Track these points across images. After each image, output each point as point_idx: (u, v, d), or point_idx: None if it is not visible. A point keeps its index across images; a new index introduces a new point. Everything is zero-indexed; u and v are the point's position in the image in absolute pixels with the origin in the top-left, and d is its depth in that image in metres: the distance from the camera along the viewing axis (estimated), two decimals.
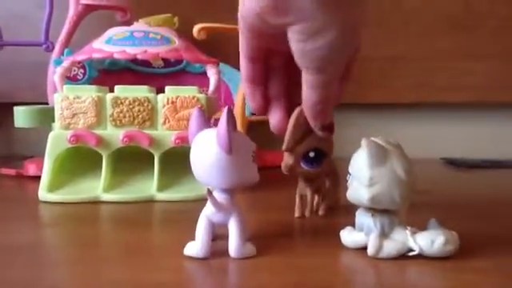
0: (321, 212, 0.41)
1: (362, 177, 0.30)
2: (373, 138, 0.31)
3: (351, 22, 0.29)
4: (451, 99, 0.78)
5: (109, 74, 0.62)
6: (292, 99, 0.36)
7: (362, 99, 0.74)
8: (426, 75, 0.77)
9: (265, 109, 0.37)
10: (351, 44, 0.31)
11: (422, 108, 0.81)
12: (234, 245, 0.31)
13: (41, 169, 0.52)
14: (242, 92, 0.63)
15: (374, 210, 0.31)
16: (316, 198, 0.40)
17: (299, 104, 0.34)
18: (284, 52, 0.32)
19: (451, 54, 0.77)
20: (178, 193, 0.47)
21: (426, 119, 0.81)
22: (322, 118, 0.34)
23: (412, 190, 0.30)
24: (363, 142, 0.30)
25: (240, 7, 0.31)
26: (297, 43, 0.30)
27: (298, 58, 0.31)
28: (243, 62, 0.35)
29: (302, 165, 0.37)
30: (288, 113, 0.36)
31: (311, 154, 0.37)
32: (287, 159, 0.37)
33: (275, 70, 0.36)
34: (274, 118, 0.37)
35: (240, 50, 0.34)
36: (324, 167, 0.38)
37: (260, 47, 0.33)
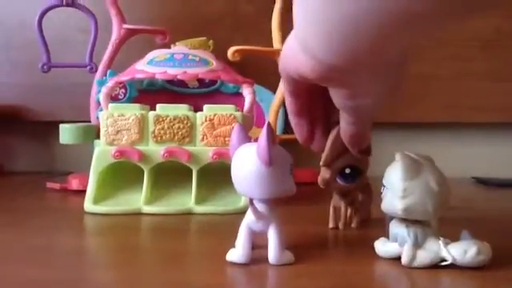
0: (354, 225, 0.42)
1: (396, 188, 0.32)
2: (406, 152, 0.32)
3: (388, 89, 0.30)
4: (482, 119, 0.79)
5: (147, 93, 0.65)
6: (330, 118, 0.37)
7: (394, 118, 0.75)
8: (457, 95, 0.78)
9: (311, 140, 0.38)
10: (387, 102, 0.32)
11: (453, 128, 0.81)
12: (273, 252, 0.32)
13: (83, 183, 0.55)
14: (274, 111, 0.66)
15: (408, 220, 0.33)
16: (349, 210, 0.42)
17: (337, 122, 0.35)
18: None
19: (482, 75, 0.78)
20: (214, 206, 0.49)
21: (457, 139, 0.82)
22: (359, 146, 0.36)
23: (445, 203, 0.32)
24: (397, 156, 0.32)
25: (281, 61, 0.32)
26: (334, 97, 0.31)
27: (335, 104, 0.32)
28: (287, 97, 0.36)
29: (338, 180, 0.39)
30: (327, 130, 0.38)
31: (347, 171, 0.39)
32: (324, 174, 0.39)
33: (314, 97, 0.37)
34: (315, 142, 0.38)
35: (283, 86, 0.35)
36: (359, 183, 0.40)
37: (300, 87, 0.34)
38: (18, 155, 0.83)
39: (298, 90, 0.34)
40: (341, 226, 0.42)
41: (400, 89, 0.31)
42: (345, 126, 0.34)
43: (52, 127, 0.66)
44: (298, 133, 0.37)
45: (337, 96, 0.31)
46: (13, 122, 0.80)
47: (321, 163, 0.39)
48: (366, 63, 0.27)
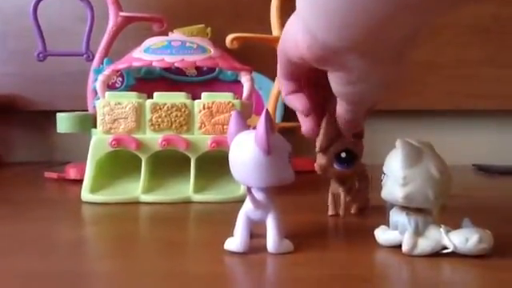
0: (353, 211, 0.42)
1: (397, 176, 0.31)
2: (407, 139, 0.32)
3: (386, 77, 0.30)
4: (482, 106, 0.78)
5: (144, 82, 0.64)
6: (328, 106, 0.37)
7: (394, 106, 0.75)
8: (457, 83, 0.78)
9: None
10: (383, 92, 0.32)
11: (454, 115, 0.81)
12: (271, 240, 0.32)
13: (81, 173, 0.55)
14: (273, 98, 0.65)
15: (409, 208, 0.32)
16: (348, 198, 0.42)
17: (334, 109, 0.35)
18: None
19: (481, 62, 0.78)
20: (213, 194, 0.49)
21: (458, 126, 0.81)
22: (353, 129, 0.37)
23: (446, 190, 0.31)
24: (397, 143, 0.32)
25: (281, 43, 0.32)
26: (332, 82, 0.31)
27: (332, 89, 0.32)
28: (280, 79, 0.36)
29: (335, 165, 0.39)
30: (321, 118, 0.38)
31: (343, 155, 0.39)
32: (320, 160, 0.39)
33: (311, 83, 0.37)
34: (306, 125, 0.38)
35: (278, 69, 0.35)
36: (355, 169, 0.39)
37: (294, 71, 0.34)
38: (16, 145, 0.82)
39: (291, 74, 0.34)
40: (341, 212, 0.41)
41: (399, 78, 0.31)
42: (341, 112, 0.34)
43: (49, 116, 0.65)
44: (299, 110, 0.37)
45: (335, 81, 0.30)
46: (9, 111, 0.80)
47: (316, 149, 0.38)
48: (365, 46, 0.27)
